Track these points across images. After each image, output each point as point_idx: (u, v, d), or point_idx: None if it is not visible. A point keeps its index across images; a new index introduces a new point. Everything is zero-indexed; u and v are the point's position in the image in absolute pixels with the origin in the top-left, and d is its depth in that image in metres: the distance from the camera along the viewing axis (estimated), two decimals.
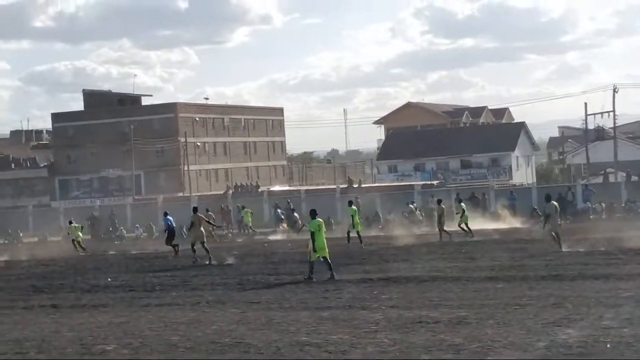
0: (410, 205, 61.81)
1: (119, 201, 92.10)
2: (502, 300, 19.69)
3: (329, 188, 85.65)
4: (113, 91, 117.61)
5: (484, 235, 43.87)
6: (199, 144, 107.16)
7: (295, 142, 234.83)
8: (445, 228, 42.77)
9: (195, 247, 36.07)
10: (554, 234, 33.46)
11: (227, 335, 16.65)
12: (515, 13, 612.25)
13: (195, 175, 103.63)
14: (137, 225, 67.63)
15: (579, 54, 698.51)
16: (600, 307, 18.13)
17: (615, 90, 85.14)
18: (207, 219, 40.94)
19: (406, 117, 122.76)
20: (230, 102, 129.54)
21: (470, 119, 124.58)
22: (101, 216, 70.52)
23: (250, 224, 60.19)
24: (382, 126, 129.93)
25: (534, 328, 15.83)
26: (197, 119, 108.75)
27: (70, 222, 52.09)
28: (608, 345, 13.86)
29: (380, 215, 62.49)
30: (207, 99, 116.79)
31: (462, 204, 46.19)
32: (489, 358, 13.23)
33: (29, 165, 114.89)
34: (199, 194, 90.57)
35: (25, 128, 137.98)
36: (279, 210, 64.88)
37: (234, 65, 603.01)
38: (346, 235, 42.60)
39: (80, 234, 49.38)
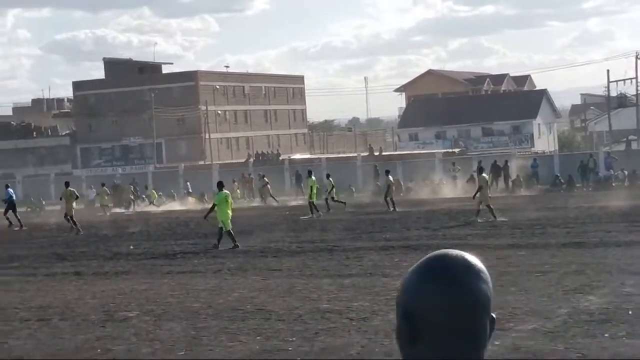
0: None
1: (140, 169, 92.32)
2: (524, 268, 19.68)
3: (349, 156, 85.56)
4: (134, 59, 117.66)
5: (504, 204, 43.77)
6: (219, 112, 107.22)
7: (316, 110, 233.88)
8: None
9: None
10: (486, 206, 34.32)
11: (249, 302, 16.71)
12: None
13: (216, 143, 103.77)
14: (160, 193, 67.81)
15: (600, 21, 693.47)
16: (621, 274, 18.10)
17: (637, 57, 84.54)
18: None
19: (427, 85, 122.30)
20: (250, 70, 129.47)
21: (492, 86, 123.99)
22: (123, 184, 70.72)
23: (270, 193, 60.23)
24: (403, 94, 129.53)
25: (555, 295, 15.82)
26: (218, 87, 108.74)
27: (103, 185, 58.15)
28: (630, 312, 13.83)
29: (402, 184, 62.40)
30: (227, 67, 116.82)
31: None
32: (511, 325, 13.24)
33: (50, 133, 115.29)
34: (220, 162, 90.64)
35: (46, 96, 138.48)
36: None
37: (254, 33, 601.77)
38: (309, 206, 42.71)
39: (107, 197, 53.48)
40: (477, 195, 34.49)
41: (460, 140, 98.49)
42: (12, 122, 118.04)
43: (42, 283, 21.68)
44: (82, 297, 18.56)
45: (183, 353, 12.32)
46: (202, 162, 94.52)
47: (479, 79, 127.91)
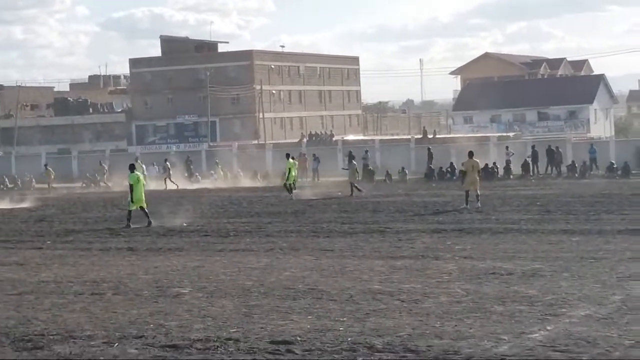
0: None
1: (194, 147, 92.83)
2: (577, 254, 19.51)
3: (403, 138, 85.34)
4: (190, 37, 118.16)
5: (560, 189, 43.45)
6: (274, 91, 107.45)
7: (371, 92, 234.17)
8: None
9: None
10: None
11: (301, 281, 16.75)
12: None
13: (270, 123, 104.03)
14: (212, 171, 68.13)
15: None
16: None
17: None
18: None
19: (483, 68, 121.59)
20: (305, 51, 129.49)
21: (549, 70, 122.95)
22: (177, 162, 71.16)
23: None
24: (459, 77, 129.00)
25: (609, 282, 15.67)
26: (273, 66, 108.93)
27: (166, 160, 61.77)
28: None
29: (455, 167, 62.10)
30: (283, 47, 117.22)
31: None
32: (564, 310, 13.14)
33: (106, 110, 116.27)
34: (273, 141, 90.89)
35: (103, 73, 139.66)
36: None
37: (310, 14, 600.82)
38: (285, 188, 43.59)
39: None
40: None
41: (515, 125, 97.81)
42: (69, 98, 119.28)
43: (96, 258, 21.89)
44: (135, 273, 18.71)
45: (235, 330, 12.39)
46: (255, 142, 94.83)
47: (536, 62, 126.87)
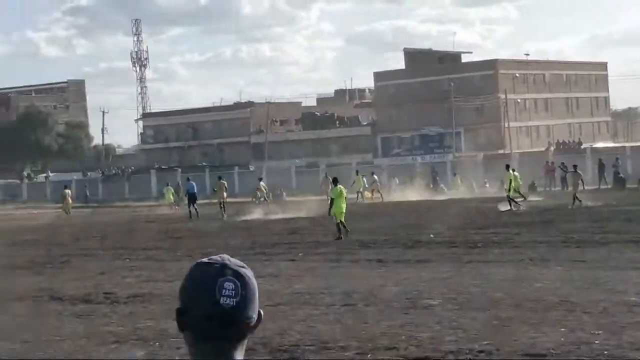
0: None
1: (439, 158, 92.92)
2: None
3: None
4: (434, 49, 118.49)
5: None
6: (519, 100, 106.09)
7: (620, 97, 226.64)
8: None
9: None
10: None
11: (552, 293, 16.43)
12: None
13: (516, 132, 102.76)
14: (460, 181, 68.11)
15: None
16: None
17: None
18: None
19: None
20: (550, 58, 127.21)
21: None
22: (423, 173, 71.82)
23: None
24: None
25: None
26: (517, 75, 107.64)
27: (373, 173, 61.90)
28: None
29: None
30: (527, 55, 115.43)
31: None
32: None
33: (352, 123, 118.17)
34: (519, 151, 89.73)
35: (348, 87, 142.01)
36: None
37: (554, 20, 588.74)
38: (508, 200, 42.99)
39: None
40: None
41: None
42: (317, 113, 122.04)
43: (346, 269, 22.24)
44: (385, 284, 18.88)
45: (487, 343, 12.30)
46: (501, 151, 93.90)
47: None
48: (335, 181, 32.78)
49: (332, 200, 31.96)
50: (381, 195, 61.10)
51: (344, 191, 32.65)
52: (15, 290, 20.21)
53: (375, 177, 63.99)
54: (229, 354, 2.65)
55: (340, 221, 31.04)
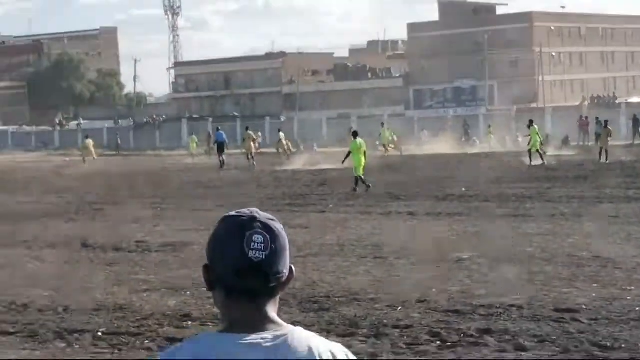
0: None
1: (471, 111, 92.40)
2: None
3: None
4: (468, 1, 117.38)
5: None
6: (554, 54, 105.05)
7: None
8: None
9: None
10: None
11: (584, 248, 16.32)
12: None
13: (550, 86, 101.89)
14: (492, 135, 67.73)
15: None
16: None
17: None
18: None
19: None
20: (587, 11, 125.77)
21: None
22: (455, 126, 71.38)
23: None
24: None
25: None
26: (553, 28, 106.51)
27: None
28: None
29: None
30: (563, 7, 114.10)
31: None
32: None
33: (384, 75, 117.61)
34: (553, 105, 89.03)
35: (381, 38, 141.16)
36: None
37: None
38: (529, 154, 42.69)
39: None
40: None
41: None
42: (349, 64, 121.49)
43: (377, 222, 22.19)
44: (416, 237, 18.84)
45: (518, 297, 12.23)
46: (534, 105, 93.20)
47: None
48: (355, 134, 32.48)
49: (349, 152, 31.65)
50: (399, 148, 59.74)
51: (364, 145, 32.04)
52: (47, 238, 20.33)
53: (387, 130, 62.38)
54: (261, 312, 2.56)
55: (359, 176, 30.64)
